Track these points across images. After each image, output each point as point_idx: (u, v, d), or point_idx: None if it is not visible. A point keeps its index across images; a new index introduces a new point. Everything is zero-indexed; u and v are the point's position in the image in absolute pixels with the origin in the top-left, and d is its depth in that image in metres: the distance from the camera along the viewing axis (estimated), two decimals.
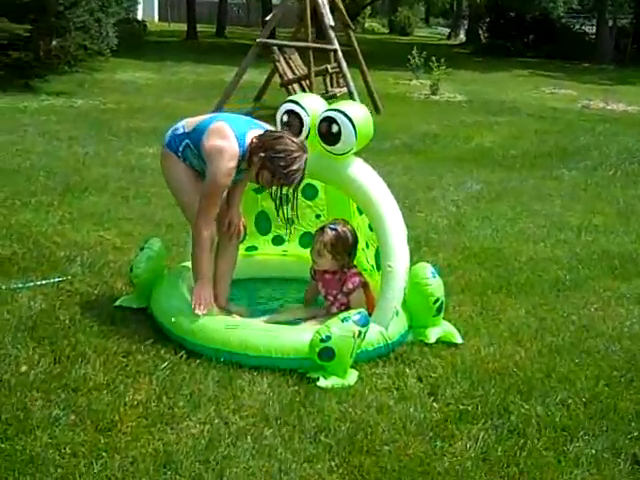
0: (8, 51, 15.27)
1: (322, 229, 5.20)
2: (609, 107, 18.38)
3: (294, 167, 4.73)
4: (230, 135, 4.81)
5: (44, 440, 3.77)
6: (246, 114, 5.36)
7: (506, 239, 7.48)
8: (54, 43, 16.48)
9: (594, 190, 9.85)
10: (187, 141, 4.96)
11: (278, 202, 4.91)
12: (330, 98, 13.85)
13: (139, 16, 37.66)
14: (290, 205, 4.98)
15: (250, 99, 15.50)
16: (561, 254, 7.07)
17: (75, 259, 6.12)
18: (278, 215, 5.09)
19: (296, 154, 4.74)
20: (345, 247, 5.16)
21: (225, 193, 5.14)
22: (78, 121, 12.68)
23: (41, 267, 5.94)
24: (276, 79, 14.78)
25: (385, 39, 44.65)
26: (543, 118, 16.18)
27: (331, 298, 5.26)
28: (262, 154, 4.74)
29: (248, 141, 4.82)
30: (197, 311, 4.80)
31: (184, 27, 35.72)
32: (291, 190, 4.87)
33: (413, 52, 20.34)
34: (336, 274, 5.22)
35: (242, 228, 5.32)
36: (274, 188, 4.87)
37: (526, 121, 15.65)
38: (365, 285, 5.21)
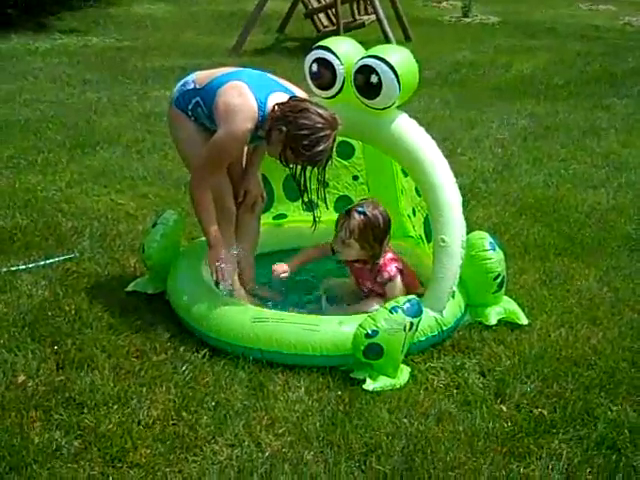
0: None
1: (348, 212, 4.38)
2: None
3: (319, 148, 4.00)
4: (249, 95, 4.09)
5: (43, 476, 3.16)
6: None
7: (562, 185, 6.72)
8: None
9: None
10: (198, 99, 4.27)
11: (302, 184, 4.17)
12: (358, 27, 12.98)
13: None
14: (318, 186, 4.26)
15: (273, 30, 14.66)
16: (626, 202, 6.31)
17: (83, 231, 5.46)
18: (302, 200, 4.32)
19: (323, 132, 3.99)
20: (376, 235, 4.34)
21: (244, 159, 4.47)
22: (92, 62, 11.88)
23: (46, 242, 5.29)
24: (300, 8, 13.86)
25: None
26: (584, 38, 15.12)
27: (365, 290, 4.53)
28: (284, 128, 4.01)
29: (269, 107, 4.10)
30: (222, 285, 4.24)
31: None
32: (315, 170, 4.14)
33: None
34: (367, 263, 4.44)
35: (260, 199, 4.63)
36: (298, 168, 4.14)
37: (566, 43, 14.59)
38: (401, 271, 4.44)
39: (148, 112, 8.71)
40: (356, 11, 13.25)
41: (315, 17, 13.11)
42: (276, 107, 4.08)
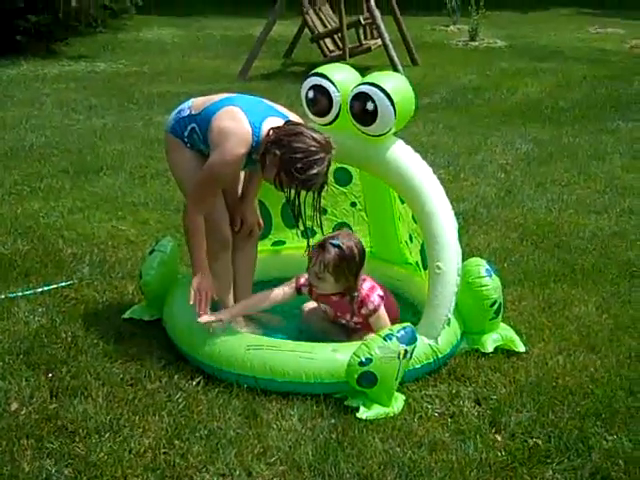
0: (27, 15, 14.55)
1: (322, 245, 4.18)
2: None
3: (313, 171, 3.98)
4: (243, 119, 4.11)
5: None
6: None
7: (564, 210, 6.71)
8: (73, 4, 15.68)
9: None
10: (193, 125, 4.28)
11: (296, 209, 4.15)
12: (364, 52, 13.04)
13: None
14: (314, 212, 4.23)
15: (280, 55, 14.74)
16: (628, 228, 6.29)
17: (83, 258, 5.47)
18: (297, 224, 4.31)
19: (317, 156, 3.98)
20: (351, 268, 4.17)
21: (240, 185, 4.48)
22: (99, 88, 11.96)
23: (45, 269, 5.30)
24: (307, 33, 13.92)
25: None
26: (591, 62, 15.12)
27: (343, 321, 4.42)
28: (277, 152, 4.01)
29: (264, 131, 4.11)
30: (200, 316, 4.14)
31: None
32: (311, 194, 4.14)
33: None
34: (344, 296, 4.30)
35: (257, 227, 4.64)
36: (292, 192, 4.13)
37: (573, 66, 14.59)
38: (382, 297, 4.32)
39: (152, 138, 8.72)
40: (362, 36, 13.32)
41: (321, 42, 13.16)
42: (271, 131, 4.08)
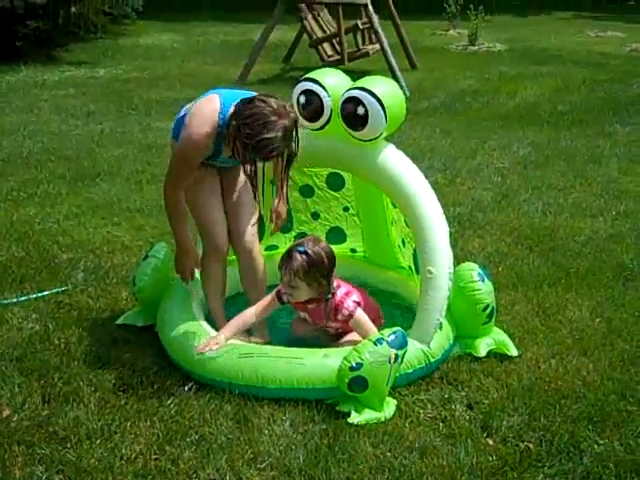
0: (26, 21, 14.57)
1: (289, 253, 4.14)
2: None
3: (264, 136, 3.87)
4: (216, 102, 4.14)
5: None
6: None
7: (560, 214, 6.70)
8: (73, 10, 15.70)
9: None
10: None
11: (253, 179, 4.04)
12: (362, 56, 13.05)
13: None
14: (284, 191, 4.22)
15: (280, 60, 14.75)
16: (624, 231, 6.28)
17: (78, 264, 5.48)
18: (255, 197, 4.20)
19: (267, 119, 3.88)
20: (322, 272, 4.13)
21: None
22: (98, 94, 11.97)
23: (40, 275, 5.31)
24: (306, 38, 13.94)
25: None
26: (590, 65, 15.12)
27: (332, 330, 4.41)
28: (233, 122, 3.97)
29: (231, 110, 4.08)
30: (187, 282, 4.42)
31: None
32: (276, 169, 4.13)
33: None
34: (320, 302, 4.28)
35: (285, 216, 4.71)
36: (248, 162, 4.01)
37: (572, 70, 14.59)
38: (359, 303, 4.28)
39: (150, 143, 8.75)
40: (360, 41, 13.34)
41: (320, 47, 13.18)
42: (234, 108, 4.05)
